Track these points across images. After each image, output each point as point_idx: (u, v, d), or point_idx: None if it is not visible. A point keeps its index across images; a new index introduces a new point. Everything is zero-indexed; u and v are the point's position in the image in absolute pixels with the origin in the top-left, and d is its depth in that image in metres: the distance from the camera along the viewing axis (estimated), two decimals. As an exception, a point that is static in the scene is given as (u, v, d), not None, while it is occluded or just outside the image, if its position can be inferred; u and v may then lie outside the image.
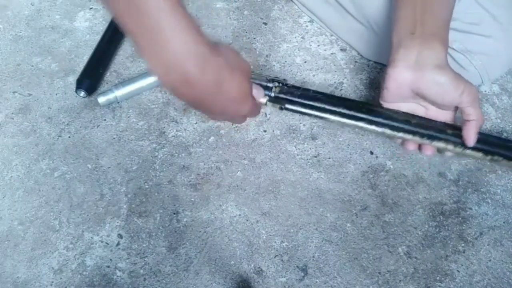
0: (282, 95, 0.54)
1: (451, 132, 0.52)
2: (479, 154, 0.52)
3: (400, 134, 0.52)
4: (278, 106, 0.53)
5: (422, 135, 0.52)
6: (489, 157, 0.53)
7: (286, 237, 0.56)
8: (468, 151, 0.52)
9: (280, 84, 0.55)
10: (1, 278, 0.52)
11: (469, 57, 0.61)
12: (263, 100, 0.52)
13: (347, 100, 0.56)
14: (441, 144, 0.52)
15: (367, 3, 0.63)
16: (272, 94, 0.53)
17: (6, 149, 0.62)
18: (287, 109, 0.54)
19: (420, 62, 0.48)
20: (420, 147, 0.54)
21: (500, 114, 0.67)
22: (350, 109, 0.53)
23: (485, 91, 0.69)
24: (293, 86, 0.55)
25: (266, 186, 0.59)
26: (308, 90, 0.55)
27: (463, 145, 0.52)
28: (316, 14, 0.74)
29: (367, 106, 0.54)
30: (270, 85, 0.55)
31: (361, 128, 0.53)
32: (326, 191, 0.59)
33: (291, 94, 0.54)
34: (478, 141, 0.52)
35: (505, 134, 0.65)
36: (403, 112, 0.54)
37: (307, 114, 0.54)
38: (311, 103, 0.54)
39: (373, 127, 0.52)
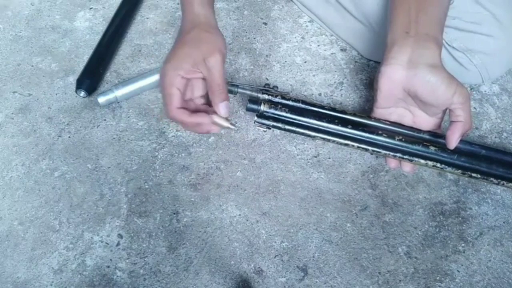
0: (271, 111, 0.57)
1: (433, 149, 0.54)
2: (458, 172, 0.54)
3: (383, 152, 0.55)
4: (266, 127, 0.57)
5: (403, 153, 0.55)
6: (467, 175, 0.54)
7: (286, 237, 0.56)
8: (448, 169, 0.54)
9: (270, 97, 0.57)
10: (1, 278, 0.52)
11: (469, 56, 0.61)
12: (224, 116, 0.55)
13: (335, 113, 0.58)
14: (421, 161, 0.54)
15: (367, 2, 0.63)
16: (262, 109, 0.56)
17: (6, 149, 0.62)
18: (274, 127, 0.57)
19: (413, 61, 0.48)
20: (400, 162, 0.56)
21: (500, 114, 0.67)
22: (337, 124, 0.56)
23: (485, 91, 0.69)
24: (283, 97, 0.58)
25: (266, 186, 0.59)
26: (297, 100, 0.57)
27: (443, 162, 0.54)
28: (316, 14, 0.74)
29: (355, 119, 0.57)
30: (260, 96, 0.57)
31: (346, 145, 0.56)
32: (326, 191, 0.59)
33: (280, 110, 0.57)
34: (461, 153, 0.54)
35: (505, 134, 0.65)
36: (390, 123, 0.55)
37: (294, 132, 0.57)
38: (297, 118, 0.57)
39: (357, 144, 0.55)
